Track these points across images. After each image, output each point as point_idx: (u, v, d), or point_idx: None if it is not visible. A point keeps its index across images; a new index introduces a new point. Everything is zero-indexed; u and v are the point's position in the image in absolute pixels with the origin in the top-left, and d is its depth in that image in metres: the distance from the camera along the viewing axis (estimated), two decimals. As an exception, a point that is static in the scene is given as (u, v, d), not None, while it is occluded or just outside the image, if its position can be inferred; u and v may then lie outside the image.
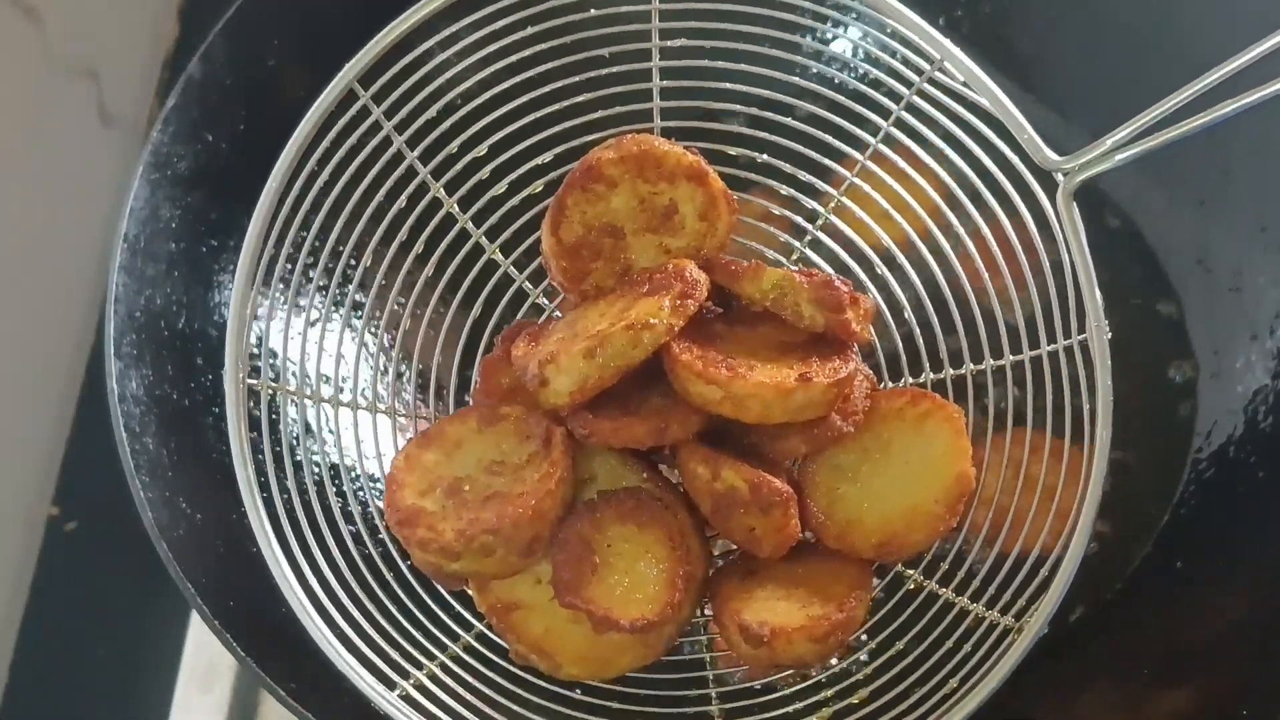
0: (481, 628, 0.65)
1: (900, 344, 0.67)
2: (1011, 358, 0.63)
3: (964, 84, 0.61)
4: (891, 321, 0.67)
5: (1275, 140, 0.74)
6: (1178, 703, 0.64)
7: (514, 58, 0.66)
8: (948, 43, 0.61)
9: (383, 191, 0.67)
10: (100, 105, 0.98)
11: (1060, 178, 0.58)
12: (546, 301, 0.72)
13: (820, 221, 0.69)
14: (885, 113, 0.65)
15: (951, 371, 0.66)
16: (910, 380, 0.67)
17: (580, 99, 0.67)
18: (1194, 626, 0.67)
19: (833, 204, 0.68)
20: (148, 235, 0.69)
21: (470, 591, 0.64)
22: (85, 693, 0.84)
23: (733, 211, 0.64)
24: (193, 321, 0.70)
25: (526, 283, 0.71)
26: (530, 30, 0.65)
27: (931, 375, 0.66)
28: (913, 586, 0.65)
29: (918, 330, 0.66)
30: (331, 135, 0.64)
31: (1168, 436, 0.75)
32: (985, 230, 0.62)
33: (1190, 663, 0.66)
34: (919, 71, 0.63)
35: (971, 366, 0.65)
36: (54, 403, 0.92)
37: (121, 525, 0.65)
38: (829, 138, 0.67)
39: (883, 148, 0.66)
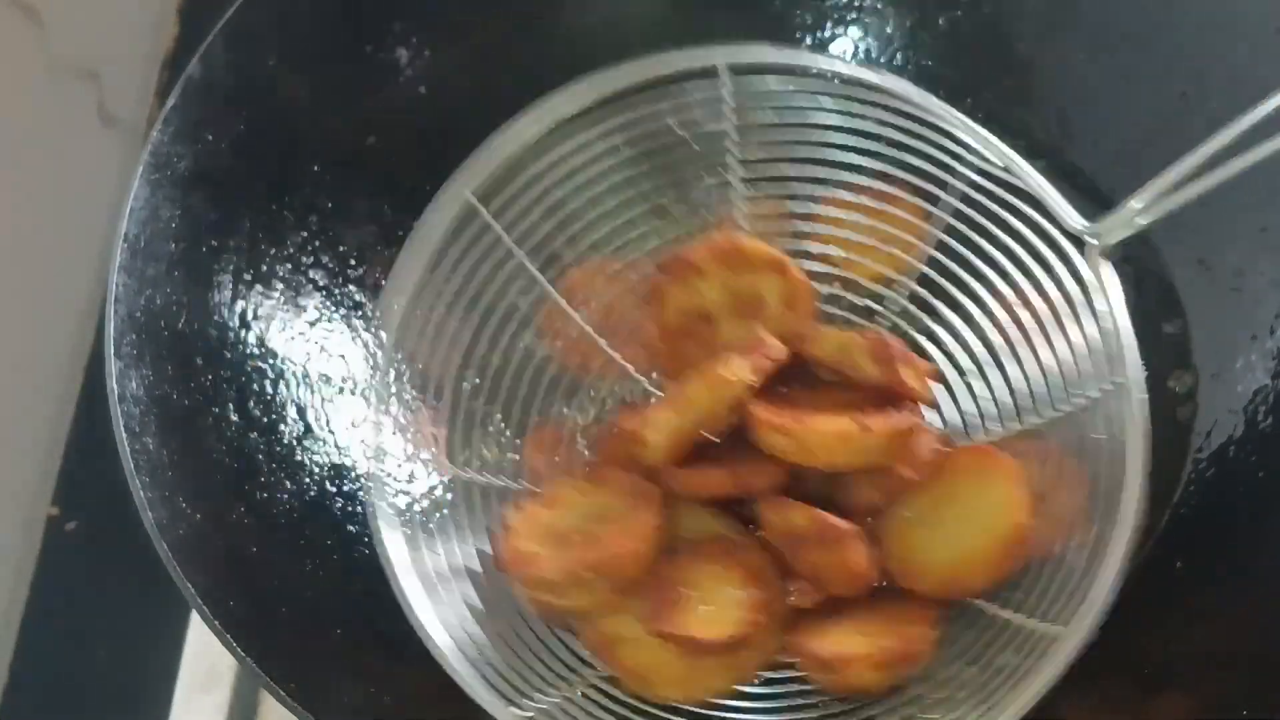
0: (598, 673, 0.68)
1: (960, 406, 0.72)
2: (1038, 419, 0.68)
3: (1004, 169, 0.66)
4: (958, 382, 0.71)
5: (1275, 141, 0.74)
6: (1178, 704, 0.64)
7: (605, 164, 0.73)
8: (994, 139, 0.67)
9: (504, 300, 0.73)
10: (101, 106, 0.98)
11: (1089, 240, 0.63)
12: (654, 390, 0.76)
13: (888, 302, 0.74)
14: (933, 199, 0.71)
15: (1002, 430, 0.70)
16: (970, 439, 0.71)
17: (665, 202, 0.75)
18: (1194, 627, 0.67)
19: (895, 285, 0.74)
20: (148, 235, 0.69)
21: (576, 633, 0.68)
22: (85, 693, 0.84)
23: (813, 298, 0.71)
24: (193, 321, 0.70)
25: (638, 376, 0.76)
26: (619, 141, 0.73)
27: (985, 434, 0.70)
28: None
29: (971, 394, 0.71)
30: (458, 249, 0.71)
31: (1167, 437, 0.75)
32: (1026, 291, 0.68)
33: (1190, 664, 0.66)
34: (962, 160, 0.69)
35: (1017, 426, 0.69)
36: (54, 403, 0.92)
37: (121, 525, 0.65)
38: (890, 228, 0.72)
39: (937, 232, 0.72)
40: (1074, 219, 0.64)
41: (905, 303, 0.74)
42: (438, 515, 0.70)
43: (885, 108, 0.70)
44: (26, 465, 0.90)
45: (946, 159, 0.70)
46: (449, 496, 0.71)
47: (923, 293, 0.73)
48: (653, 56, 0.71)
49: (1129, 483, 0.61)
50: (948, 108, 0.69)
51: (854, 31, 0.84)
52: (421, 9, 0.78)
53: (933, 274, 0.72)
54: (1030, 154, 0.69)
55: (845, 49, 0.85)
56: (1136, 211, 0.63)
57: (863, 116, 0.71)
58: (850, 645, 0.64)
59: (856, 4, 0.84)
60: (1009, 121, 0.82)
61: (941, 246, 0.72)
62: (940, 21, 0.83)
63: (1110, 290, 0.64)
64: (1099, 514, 0.62)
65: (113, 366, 0.66)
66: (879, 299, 0.74)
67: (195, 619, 0.79)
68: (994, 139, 0.68)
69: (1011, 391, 0.69)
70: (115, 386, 0.65)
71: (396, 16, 0.78)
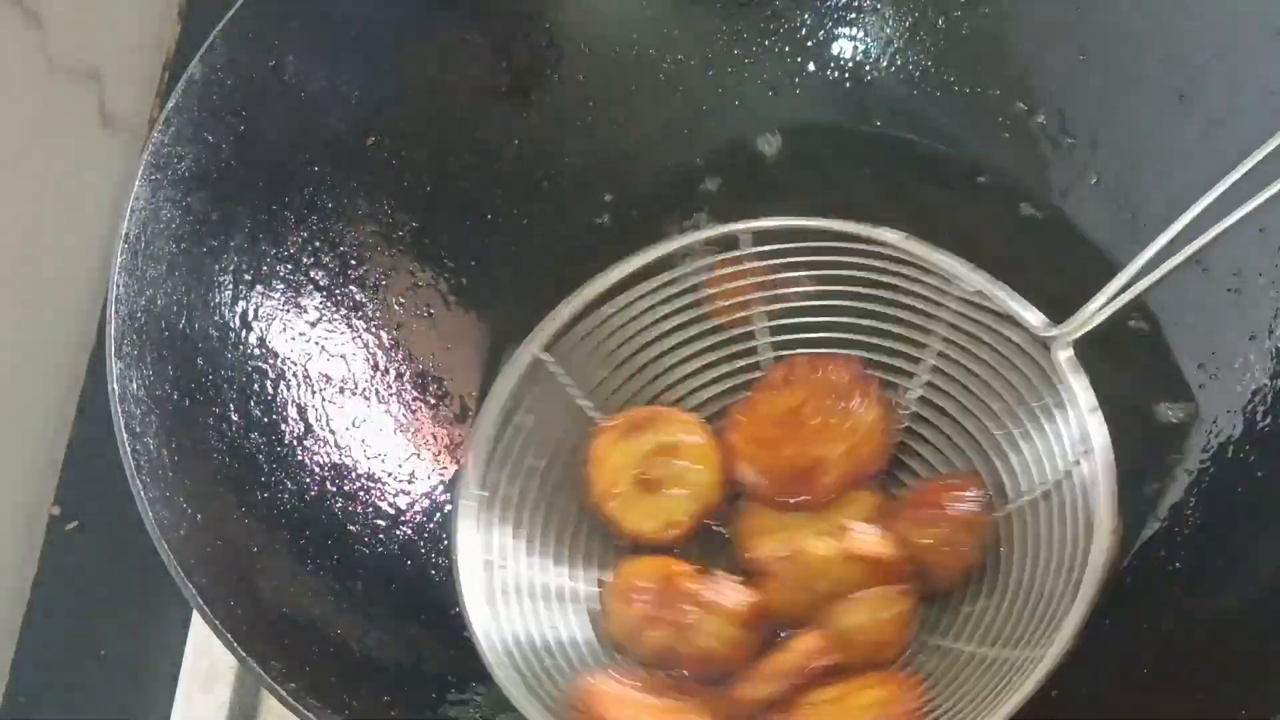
0: None
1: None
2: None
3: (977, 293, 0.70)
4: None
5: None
6: (1176, 704, 0.64)
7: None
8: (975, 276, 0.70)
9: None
10: (101, 106, 0.98)
11: (1053, 344, 0.67)
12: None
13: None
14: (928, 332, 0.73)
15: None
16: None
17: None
18: (1194, 627, 0.67)
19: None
20: (148, 236, 0.69)
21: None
22: (85, 693, 0.84)
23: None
24: (193, 321, 0.70)
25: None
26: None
27: None
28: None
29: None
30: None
31: (1167, 437, 0.75)
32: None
33: (1188, 664, 0.66)
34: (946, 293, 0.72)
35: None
36: (54, 403, 0.92)
37: (122, 525, 0.65)
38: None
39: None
40: (1039, 322, 0.68)
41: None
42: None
43: (877, 255, 0.72)
44: (26, 465, 0.90)
45: (933, 295, 0.73)
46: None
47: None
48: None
49: (1098, 537, 0.65)
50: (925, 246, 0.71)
51: (853, 32, 0.85)
52: (424, 11, 0.79)
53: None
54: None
55: (844, 49, 0.85)
56: (1092, 312, 0.68)
57: (860, 265, 0.73)
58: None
59: (856, 4, 0.84)
60: (1007, 120, 0.82)
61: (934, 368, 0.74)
62: (939, 22, 0.83)
63: (1075, 380, 0.67)
64: (1075, 561, 0.65)
65: (113, 367, 0.66)
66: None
67: (195, 619, 0.80)
68: (966, 269, 0.70)
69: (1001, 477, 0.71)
70: (116, 387, 0.65)
71: (396, 15, 0.78)
